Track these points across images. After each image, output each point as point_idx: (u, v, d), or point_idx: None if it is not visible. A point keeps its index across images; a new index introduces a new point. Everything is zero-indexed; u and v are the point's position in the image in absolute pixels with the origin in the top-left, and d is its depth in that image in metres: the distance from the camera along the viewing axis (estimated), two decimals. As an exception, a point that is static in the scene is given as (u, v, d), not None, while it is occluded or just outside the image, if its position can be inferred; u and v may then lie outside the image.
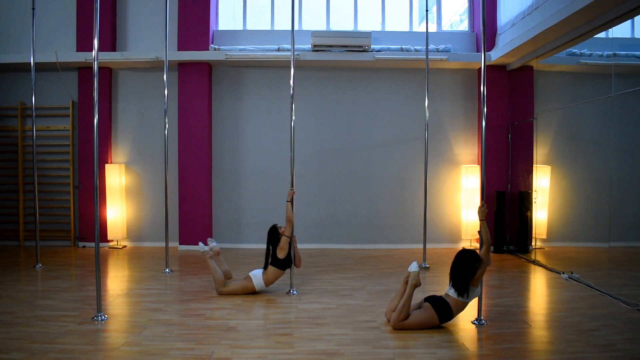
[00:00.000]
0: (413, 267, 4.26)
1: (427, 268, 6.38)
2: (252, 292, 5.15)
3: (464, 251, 4.18)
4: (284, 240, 5.07)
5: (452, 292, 4.14)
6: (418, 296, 4.48)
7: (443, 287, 5.00)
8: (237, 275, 5.56)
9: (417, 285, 4.19)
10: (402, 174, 8.00)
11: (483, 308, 4.36)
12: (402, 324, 4.08)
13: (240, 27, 8.24)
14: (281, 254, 5.07)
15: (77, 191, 7.96)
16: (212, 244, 5.35)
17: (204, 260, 5.33)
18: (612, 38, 5.70)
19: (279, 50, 7.69)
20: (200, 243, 5.37)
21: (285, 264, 5.12)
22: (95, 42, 4.39)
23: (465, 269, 4.05)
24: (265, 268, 5.17)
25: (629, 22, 5.65)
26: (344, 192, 8.02)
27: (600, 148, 6.50)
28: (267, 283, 5.16)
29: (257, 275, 5.15)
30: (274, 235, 5.14)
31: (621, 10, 4.97)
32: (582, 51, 6.51)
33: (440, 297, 4.20)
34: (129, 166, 8.10)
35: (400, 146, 8.01)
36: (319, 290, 5.37)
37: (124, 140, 8.09)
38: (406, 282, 4.27)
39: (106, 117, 7.88)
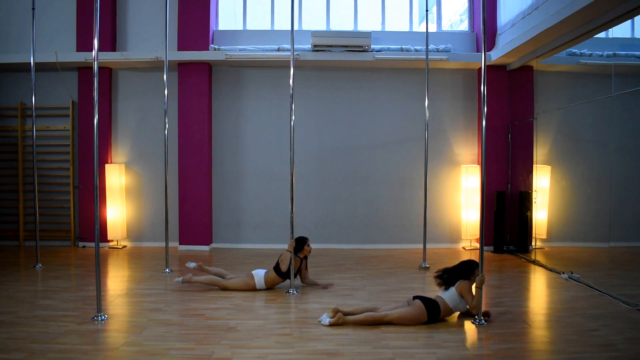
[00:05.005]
0: (325, 322, 4.26)
1: (427, 268, 6.38)
2: (253, 289, 5.30)
3: (466, 261, 4.53)
4: (285, 256, 5.26)
5: (443, 293, 4.39)
6: (409, 295, 4.50)
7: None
8: (239, 273, 5.62)
9: (341, 322, 4.20)
10: (402, 174, 8.00)
11: (483, 308, 4.36)
12: (388, 320, 4.20)
13: (240, 27, 8.24)
14: (282, 267, 5.26)
15: (77, 191, 7.96)
16: (190, 265, 5.55)
17: (190, 284, 5.36)
18: (612, 38, 5.70)
19: (279, 50, 7.69)
20: (175, 279, 5.43)
21: (285, 275, 5.30)
22: (95, 42, 4.40)
23: (460, 269, 4.42)
24: (270, 270, 5.39)
25: (629, 22, 5.65)
26: (344, 192, 8.01)
27: (600, 148, 6.50)
28: (267, 284, 5.33)
29: (259, 274, 5.34)
30: (298, 246, 5.33)
31: (621, 10, 4.97)
32: (582, 51, 6.51)
33: (430, 297, 4.38)
34: (129, 166, 8.10)
35: (400, 146, 8.01)
36: (319, 290, 5.37)
37: (124, 140, 8.09)
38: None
39: (106, 117, 7.88)
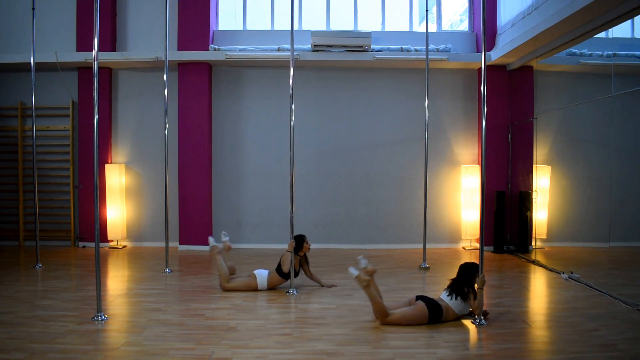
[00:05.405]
0: (353, 270, 4.27)
1: (427, 268, 6.38)
2: (254, 290, 5.30)
3: (465, 263, 4.49)
4: (285, 257, 5.26)
5: (445, 297, 4.36)
6: (409, 295, 4.50)
7: (442, 288, 5.01)
8: (239, 273, 5.63)
9: (364, 284, 4.18)
10: (402, 174, 8.00)
11: (484, 308, 4.36)
12: (389, 320, 4.18)
13: (240, 27, 8.24)
14: (284, 268, 5.26)
15: (77, 191, 7.96)
16: (225, 238, 5.52)
17: (212, 255, 5.40)
18: (612, 38, 5.70)
19: (279, 50, 7.69)
20: (210, 238, 5.47)
21: (288, 275, 5.29)
22: (95, 42, 4.40)
23: (465, 277, 4.38)
24: (272, 271, 5.38)
25: (629, 22, 5.65)
26: (344, 192, 8.01)
27: (600, 148, 6.50)
28: (270, 285, 5.35)
29: (262, 275, 5.35)
30: (297, 243, 5.31)
31: (621, 10, 4.97)
32: (582, 51, 6.50)
33: (433, 299, 4.36)
34: (129, 166, 8.10)
35: (400, 146, 8.01)
36: (319, 290, 5.37)
37: (124, 140, 8.09)
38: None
39: (106, 117, 7.88)
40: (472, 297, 4.32)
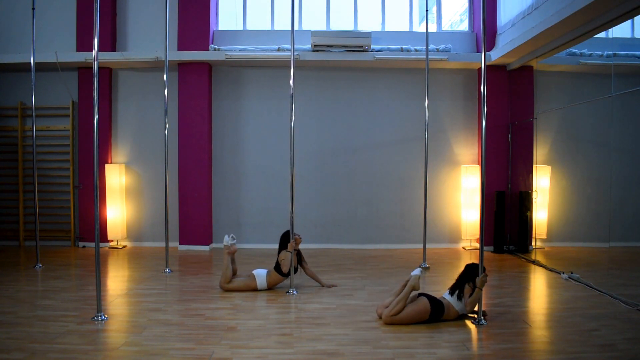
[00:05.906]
0: (416, 271, 4.36)
1: (427, 268, 6.38)
2: (254, 290, 5.30)
3: (472, 264, 4.52)
4: (284, 255, 5.24)
5: (447, 295, 4.40)
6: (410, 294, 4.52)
7: (442, 287, 5.03)
8: (239, 273, 5.60)
9: (415, 288, 4.28)
10: (402, 174, 8.00)
11: (483, 308, 4.36)
12: (392, 319, 4.22)
13: (240, 27, 8.24)
14: (284, 269, 5.25)
15: (77, 191, 7.96)
16: (233, 241, 5.44)
17: (224, 253, 5.29)
18: (612, 38, 5.70)
19: (279, 50, 7.69)
20: (226, 236, 5.40)
21: (287, 274, 5.29)
22: (95, 42, 4.40)
23: (470, 276, 4.41)
24: (271, 270, 5.37)
25: (629, 22, 5.65)
26: (344, 192, 8.02)
27: (600, 148, 6.50)
28: (269, 285, 5.34)
29: (260, 275, 5.33)
30: (283, 241, 5.33)
31: (621, 10, 4.97)
32: (582, 51, 6.51)
33: (435, 296, 4.40)
34: (129, 166, 8.10)
35: (400, 146, 8.01)
36: (319, 290, 5.37)
37: (124, 140, 8.09)
38: (405, 285, 4.38)
39: (106, 117, 7.88)
40: (468, 296, 4.35)
